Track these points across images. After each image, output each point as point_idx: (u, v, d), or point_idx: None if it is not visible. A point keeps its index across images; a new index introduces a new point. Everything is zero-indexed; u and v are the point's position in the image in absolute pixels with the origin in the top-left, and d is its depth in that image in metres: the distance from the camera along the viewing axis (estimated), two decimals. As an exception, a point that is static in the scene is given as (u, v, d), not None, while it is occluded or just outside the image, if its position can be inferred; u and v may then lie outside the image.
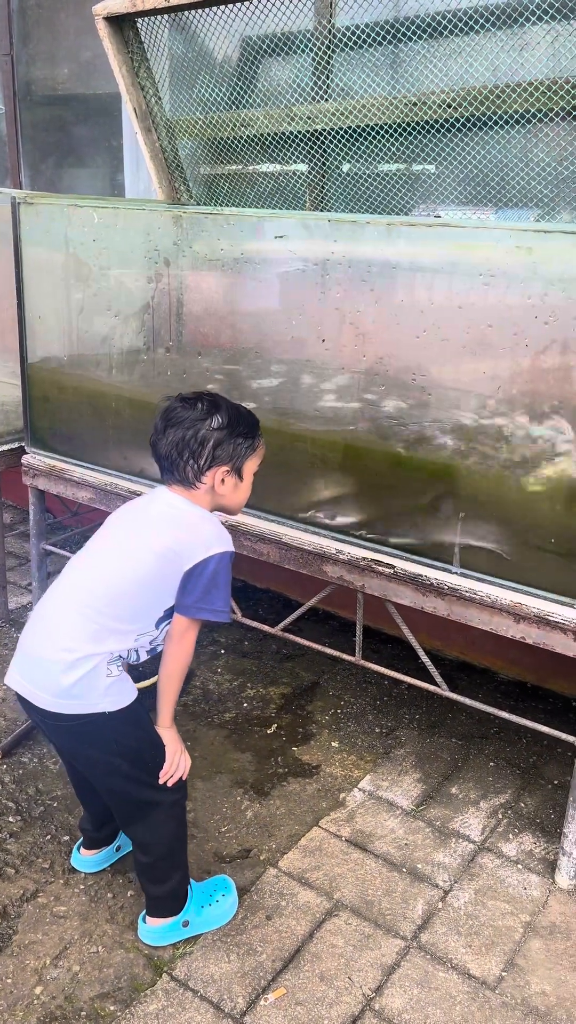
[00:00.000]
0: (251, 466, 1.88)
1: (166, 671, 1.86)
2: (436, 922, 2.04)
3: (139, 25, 2.91)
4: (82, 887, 2.10)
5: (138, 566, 1.75)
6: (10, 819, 2.31)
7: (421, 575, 2.15)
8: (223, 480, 1.82)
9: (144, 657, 1.88)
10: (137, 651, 1.84)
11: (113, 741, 1.79)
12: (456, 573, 2.12)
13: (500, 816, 2.41)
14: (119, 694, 1.78)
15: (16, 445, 3.08)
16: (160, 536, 1.77)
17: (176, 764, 1.88)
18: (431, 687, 2.31)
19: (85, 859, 2.14)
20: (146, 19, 2.89)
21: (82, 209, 2.54)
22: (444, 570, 2.14)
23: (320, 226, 2.12)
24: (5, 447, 3.09)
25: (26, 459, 2.96)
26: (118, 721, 1.77)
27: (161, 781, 1.85)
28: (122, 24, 2.92)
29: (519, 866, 2.22)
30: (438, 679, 2.29)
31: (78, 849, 2.15)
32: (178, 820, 1.93)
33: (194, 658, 2.86)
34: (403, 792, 2.49)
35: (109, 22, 2.90)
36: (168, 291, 2.45)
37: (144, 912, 1.96)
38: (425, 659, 2.30)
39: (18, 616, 3.41)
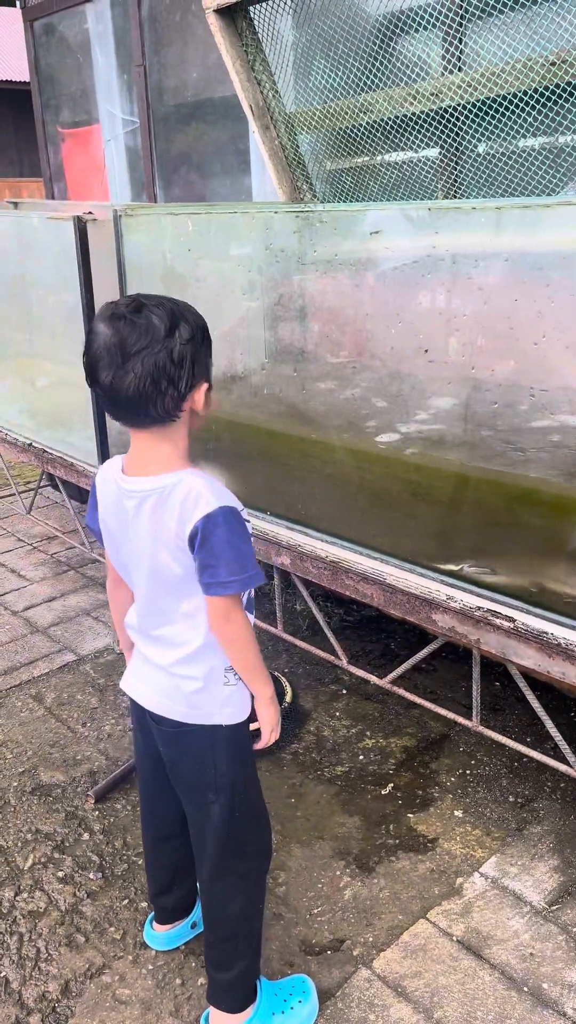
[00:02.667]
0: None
1: (238, 665, 1.56)
2: (559, 1066, 1.65)
3: (252, 14, 2.70)
4: (150, 967, 1.90)
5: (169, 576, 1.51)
6: (91, 876, 2.16)
7: (546, 632, 1.77)
8: (205, 397, 1.46)
9: None
10: None
11: (212, 764, 1.60)
12: (589, 634, 1.72)
13: None
14: (236, 705, 1.61)
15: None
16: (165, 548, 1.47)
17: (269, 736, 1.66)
18: (563, 767, 1.90)
19: (157, 935, 1.93)
20: (259, 6, 2.67)
21: (178, 217, 2.36)
22: (573, 628, 1.74)
23: (420, 216, 1.79)
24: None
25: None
26: (226, 740, 1.60)
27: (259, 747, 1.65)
28: (234, 15, 2.72)
29: None
30: (571, 757, 1.88)
31: (150, 923, 1.95)
32: (248, 897, 1.68)
33: (311, 699, 2.61)
34: (535, 883, 2.09)
35: (220, 15, 2.71)
36: (262, 300, 2.21)
37: (207, 1009, 1.72)
38: (554, 732, 1.90)
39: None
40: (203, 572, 1.44)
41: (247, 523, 1.49)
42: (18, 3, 4.51)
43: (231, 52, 2.78)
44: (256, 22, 2.72)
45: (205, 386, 1.45)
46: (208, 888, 1.69)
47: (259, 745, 1.65)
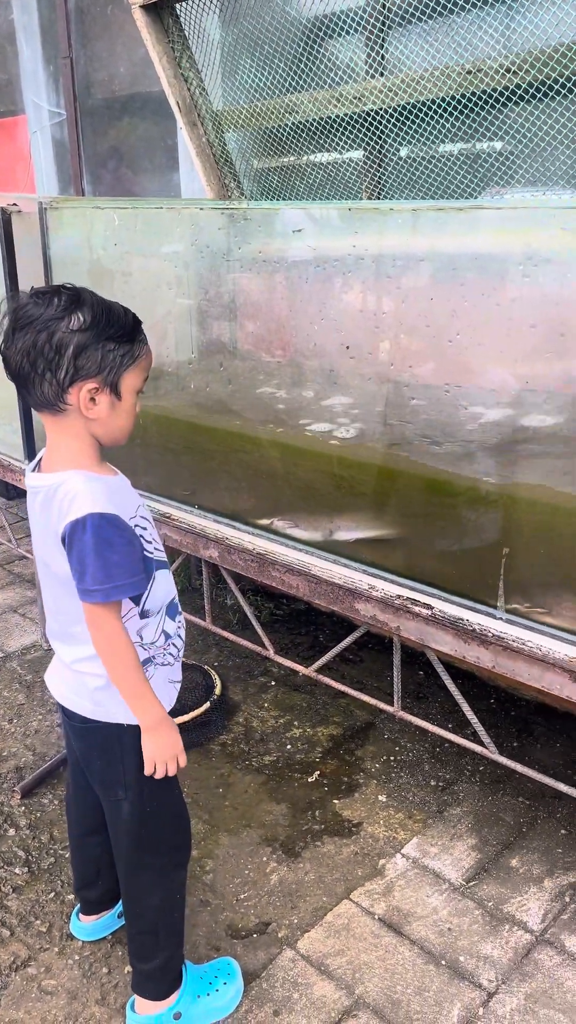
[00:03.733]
0: (132, 381, 1.43)
1: (112, 678, 1.49)
2: (474, 1033, 1.72)
3: (178, 11, 2.71)
4: (77, 958, 1.91)
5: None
6: (16, 871, 2.15)
7: (462, 619, 1.84)
8: (92, 399, 1.39)
9: (162, 646, 1.60)
10: (144, 650, 1.56)
11: (120, 761, 1.59)
12: (501, 619, 1.79)
13: (567, 900, 2.05)
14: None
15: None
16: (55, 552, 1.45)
17: (156, 766, 1.55)
18: (479, 748, 1.98)
19: (84, 926, 1.94)
20: (185, 4, 2.69)
21: (104, 211, 2.36)
22: (489, 615, 1.82)
23: (330, 217, 1.84)
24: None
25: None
26: (131, 739, 1.56)
27: (147, 773, 1.56)
28: (160, 11, 2.73)
29: (583, 967, 1.87)
30: (485, 739, 1.96)
31: (76, 915, 1.96)
32: (166, 891, 1.69)
33: (240, 691, 2.63)
34: (453, 862, 2.17)
35: (146, 10, 2.72)
36: (186, 295, 2.23)
37: (132, 996, 1.74)
38: (471, 716, 1.98)
39: None
40: (72, 575, 1.42)
41: (128, 530, 1.44)
42: None
43: (157, 48, 2.79)
44: (182, 19, 2.74)
45: (90, 385, 1.38)
46: (126, 883, 1.70)
47: (147, 772, 1.57)
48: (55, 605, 1.56)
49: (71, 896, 2.06)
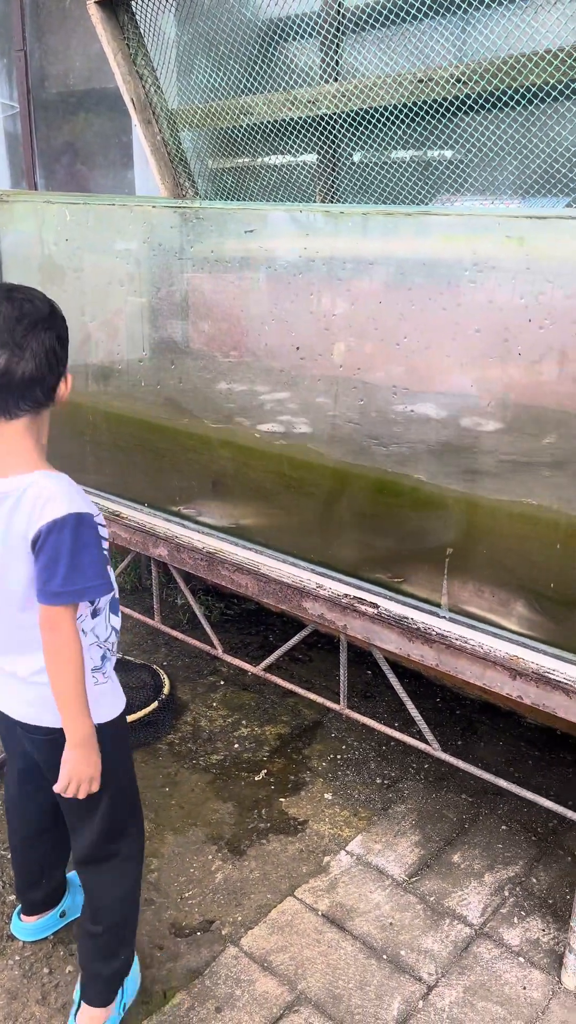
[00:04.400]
0: None
1: (55, 683, 1.44)
2: (414, 1025, 1.75)
3: (134, 8, 2.71)
4: (17, 959, 1.89)
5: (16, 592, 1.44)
6: (-43, 871, 2.12)
7: (407, 617, 1.87)
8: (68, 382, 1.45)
9: (114, 641, 1.60)
10: (99, 647, 1.55)
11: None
12: (444, 617, 1.83)
13: (506, 893, 2.10)
14: (109, 704, 1.57)
15: None
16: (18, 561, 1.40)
17: (71, 784, 1.50)
18: (422, 745, 2.02)
19: (25, 926, 1.92)
20: (141, 1, 2.68)
21: (55, 206, 2.34)
22: (433, 613, 1.85)
23: (293, 219, 1.86)
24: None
25: None
26: (107, 736, 1.53)
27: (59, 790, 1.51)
28: (116, 8, 2.72)
29: (520, 959, 1.91)
30: (428, 736, 1.99)
31: (17, 915, 1.94)
32: (132, 879, 1.69)
33: (188, 690, 2.62)
34: (396, 858, 2.20)
35: (102, 6, 2.71)
36: (140, 294, 2.23)
37: (78, 1003, 1.72)
38: (415, 713, 2.01)
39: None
40: (38, 577, 1.38)
41: (100, 528, 1.44)
42: None
43: (112, 45, 2.78)
44: (138, 16, 2.73)
45: (68, 375, 1.44)
46: (92, 879, 1.67)
47: (59, 789, 1.51)
48: (6, 620, 1.48)
49: (12, 897, 2.04)
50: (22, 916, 1.93)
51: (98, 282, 2.33)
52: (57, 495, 1.37)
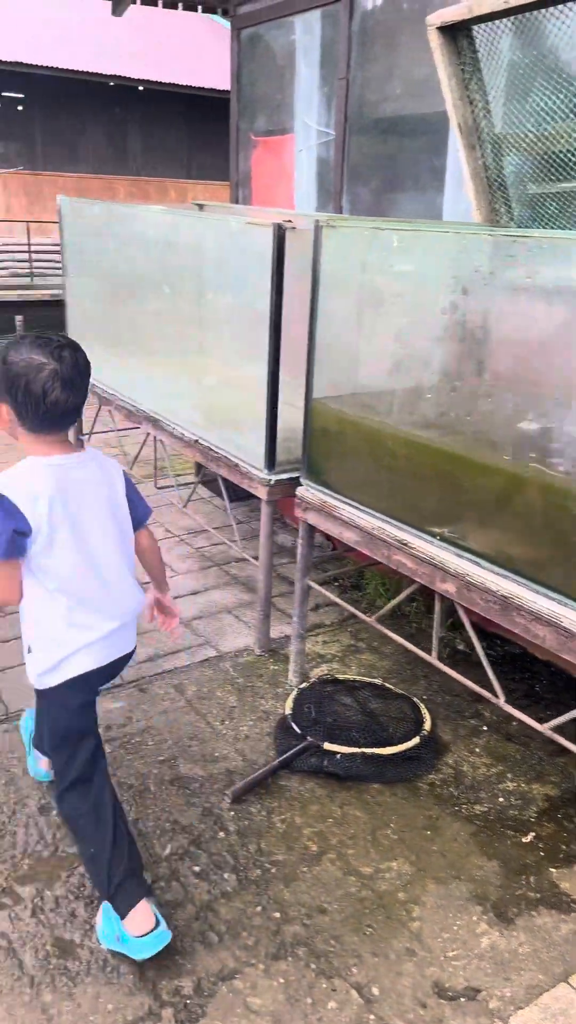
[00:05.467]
0: None
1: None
2: None
3: (474, 33, 2.67)
4: (281, 981, 1.89)
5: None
6: (225, 875, 2.17)
7: None
8: None
9: None
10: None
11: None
12: None
13: None
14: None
15: (297, 475, 2.98)
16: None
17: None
18: None
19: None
20: (481, 27, 2.64)
21: (383, 233, 2.35)
22: None
23: None
24: (287, 475, 3.01)
25: (300, 491, 2.84)
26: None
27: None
28: (456, 34, 2.69)
29: None
30: None
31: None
32: (72, 807, 1.98)
33: (449, 731, 2.58)
34: None
35: (443, 32, 2.69)
36: (461, 324, 2.16)
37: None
38: None
39: (280, 646, 3.31)
40: (133, 509, 2.03)
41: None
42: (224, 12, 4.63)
43: (448, 70, 2.75)
44: (477, 42, 2.69)
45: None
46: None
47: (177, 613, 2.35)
48: (120, 560, 1.97)
49: (278, 915, 2.05)
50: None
51: (418, 309, 2.31)
52: (111, 459, 2.00)
